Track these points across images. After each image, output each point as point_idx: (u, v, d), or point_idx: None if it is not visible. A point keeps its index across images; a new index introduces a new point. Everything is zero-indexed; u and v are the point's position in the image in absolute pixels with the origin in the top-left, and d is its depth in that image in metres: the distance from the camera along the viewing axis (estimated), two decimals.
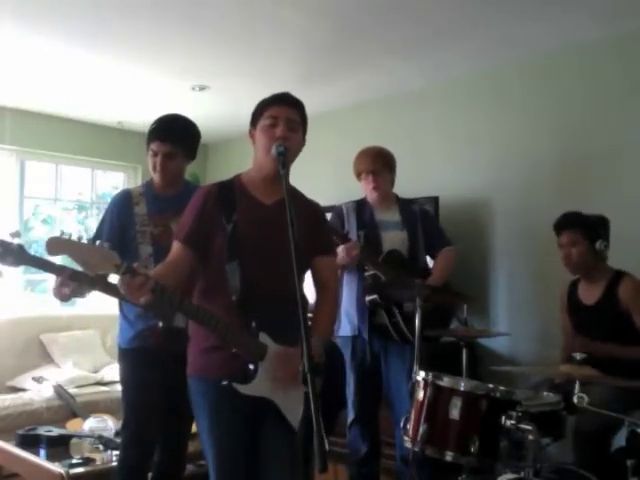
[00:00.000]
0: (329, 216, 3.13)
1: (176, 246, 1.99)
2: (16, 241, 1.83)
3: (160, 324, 2.35)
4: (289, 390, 1.87)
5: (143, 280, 1.73)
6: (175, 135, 2.49)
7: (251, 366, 1.85)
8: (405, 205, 3.22)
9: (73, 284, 2.11)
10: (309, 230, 1.98)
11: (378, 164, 3.13)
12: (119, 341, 2.58)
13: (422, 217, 3.22)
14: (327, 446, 1.83)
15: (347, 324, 3.07)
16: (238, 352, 1.86)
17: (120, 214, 2.51)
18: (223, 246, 1.93)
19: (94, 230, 2.64)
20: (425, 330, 2.72)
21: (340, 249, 2.88)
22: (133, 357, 2.50)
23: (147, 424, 2.47)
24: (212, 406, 1.93)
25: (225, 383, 1.83)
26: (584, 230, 2.96)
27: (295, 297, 1.64)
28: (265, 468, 1.94)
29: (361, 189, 3.26)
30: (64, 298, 2.21)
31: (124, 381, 2.56)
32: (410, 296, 2.74)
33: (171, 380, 2.43)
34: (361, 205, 3.19)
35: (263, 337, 1.87)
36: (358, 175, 3.20)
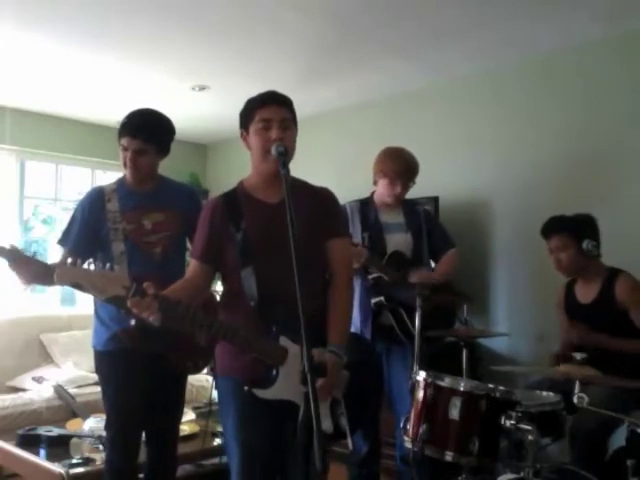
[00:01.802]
0: None
1: (193, 263, 2.05)
2: None
3: (133, 322, 2.32)
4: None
5: (151, 300, 1.76)
6: (146, 131, 2.44)
7: (273, 371, 1.86)
8: (409, 207, 3.20)
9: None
10: (319, 218, 2.01)
11: (408, 175, 3.10)
12: (94, 343, 2.55)
13: (426, 219, 3.21)
14: (351, 446, 1.86)
15: None
16: (260, 358, 1.88)
17: (91, 211, 2.48)
18: (236, 255, 1.95)
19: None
20: (430, 330, 2.73)
21: None
22: (110, 359, 2.48)
23: (130, 424, 2.47)
24: (237, 406, 1.95)
25: (246, 389, 1.85)
26: (570, 233, 2.95)
27: (317, 295, 1.64)
28: (291, 467, 1.95)
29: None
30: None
31: (104, 383, 2.55)
32: (412, 296, 2.73)
33: (151, 379, 2.44)
34: (365, 205, 3.16)
35: (284, 340, 1.88)
36: (383, 173, 3.10)
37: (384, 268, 2.99)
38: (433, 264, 3.23)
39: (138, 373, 2.42)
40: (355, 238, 3.03)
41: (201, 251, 2.03)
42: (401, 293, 2.92)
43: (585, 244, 2.92)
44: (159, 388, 2.50)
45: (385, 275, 2.98)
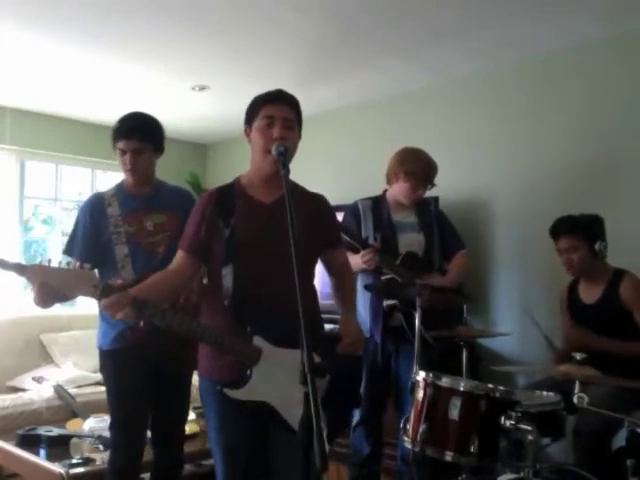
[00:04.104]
0: (343, 215, 3.10)
1: (179, 255, 2.04)
2: None
3: (142, 323, 2.34)
4: (288, 391, 1.86)
5: (118, 298, 1.79)
6: (141, 130, 2.49)
7: (247, 371, 1.86)
8: (421, 206, 3.18)
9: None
10: (313, 224, 2.00)
11: (430, 179, 3.09)
12: (99, 344, 2.58)
13: (438, 219, 3.20)
14: (327, 446, 1.84)
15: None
16: (235, 358, 1.88)
17: (93, 217, 2.52)
18: (221, 251, 1.94)
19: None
20: (439, 330, 2.73)
21: (359, 256, 2.85)
22: (115, 358, 2.50)
23: (133, 424, 2.48)
24: (217, 408, 1.95)
25: (218, 388, 1.85)
26: (582, 234, 2.94)
27: (305, 296, 1.62)
28: (273, 468, 1.95)
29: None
30: (46, 304, 2.24)
31: (108, 383, 2.56)
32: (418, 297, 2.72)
33: (155, 378, 2.46)
34: (377, 204, 3.13)
35: (258, 340, 1.87)
36: (406, 175, 3.05)
37: (398, 269, 2.98)
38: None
39: (143, 372, 2.44)
40: (368, 238, 3.01)
41: (189, 243, 2.02)
42: (413, 294, 2.89)
43: (598, 245, 2.92)
44: (164, 387, 2.52)
45: (399, 277, 2.96)
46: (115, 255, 2.45)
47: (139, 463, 2.51)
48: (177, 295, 2.09)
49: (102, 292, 1.80)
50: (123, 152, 2.49)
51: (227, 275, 1.91)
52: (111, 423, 2.54)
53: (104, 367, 2.58)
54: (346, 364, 1.99)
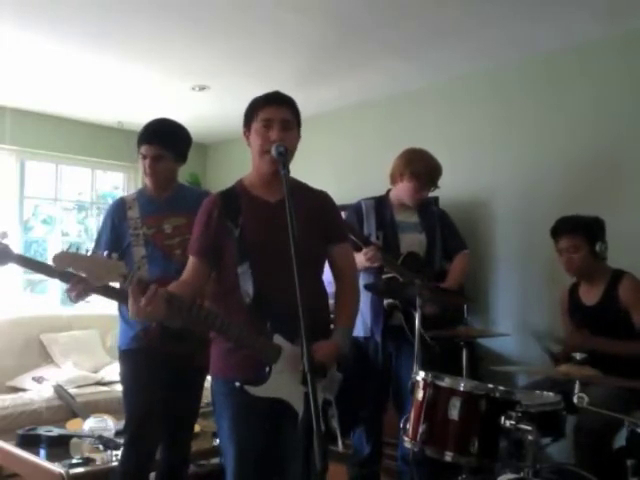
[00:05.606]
0: (345, 214, 3.11)
1: (190, 261, 2.05)
2: (4, 241, 1.89)
3: (154, 325, 2.36)
4: (303, 389, 1.86)
5: (157, 292, 1.77)
6: (162, 137, 2.54)
7: (266, 369, 1.86)
8: (424, 207, 3.19)
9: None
10: (319, 220, 2.01)
11: (435, 180, 3.09)
12: (119, 343, 2.61)
13: (440, 219, 3.21)
14: (341, 448, 1.85)
15: (360, 325, 3.02)
16: (253, 354, 1.88)
17: (114, 220, 2.58)
18: (233, 250, 1.95)
19: (94, 230, 2.70)
20: (438, 330, 2.73)
21: (362, 254, 2.86)
22: (132, 358, 2.52)
23: (148, 424, 2.48)
24: (233, 407, 1.95)
25: (238, 385, 1.84)
26: (584, 234, 2.94)
27: (313, 294, 1.64)
28: (286, 467, 1.94)
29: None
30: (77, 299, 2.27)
31: (124, 382, 2.58)
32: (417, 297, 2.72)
33: (171, 378, 2.47)
34: (380, 203, 3.14)
35: (278, 338, 1.88)
36: (411, 176, 3.06)
37: (400, 269, 2.98)
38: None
39: (158, 373, 2.45)
40: (370, 236, 3.01)
41: (198, 248, 2.02)
42: (413, 293, 2.89)
43: (599, 246, 2.92)
44: (177, 388, 2.53)
45: (400, 276, 2.96)
46: (133, 257, 2.49)
47: (149, 464, 2.52)
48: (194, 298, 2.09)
49: (132, 283, 1.80)
50: (144, 157, 2.55)
51: (244, 273, 1.91)
52: (126, 422, 2.55)
53: (121, 366, 2.60)
54: (354, 365, 2.00)
